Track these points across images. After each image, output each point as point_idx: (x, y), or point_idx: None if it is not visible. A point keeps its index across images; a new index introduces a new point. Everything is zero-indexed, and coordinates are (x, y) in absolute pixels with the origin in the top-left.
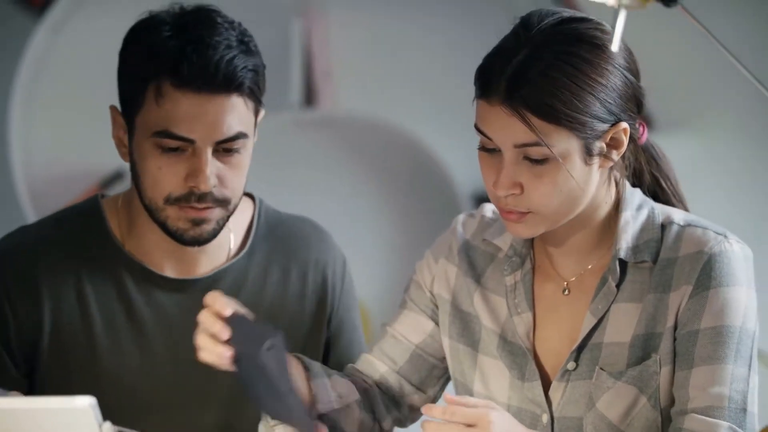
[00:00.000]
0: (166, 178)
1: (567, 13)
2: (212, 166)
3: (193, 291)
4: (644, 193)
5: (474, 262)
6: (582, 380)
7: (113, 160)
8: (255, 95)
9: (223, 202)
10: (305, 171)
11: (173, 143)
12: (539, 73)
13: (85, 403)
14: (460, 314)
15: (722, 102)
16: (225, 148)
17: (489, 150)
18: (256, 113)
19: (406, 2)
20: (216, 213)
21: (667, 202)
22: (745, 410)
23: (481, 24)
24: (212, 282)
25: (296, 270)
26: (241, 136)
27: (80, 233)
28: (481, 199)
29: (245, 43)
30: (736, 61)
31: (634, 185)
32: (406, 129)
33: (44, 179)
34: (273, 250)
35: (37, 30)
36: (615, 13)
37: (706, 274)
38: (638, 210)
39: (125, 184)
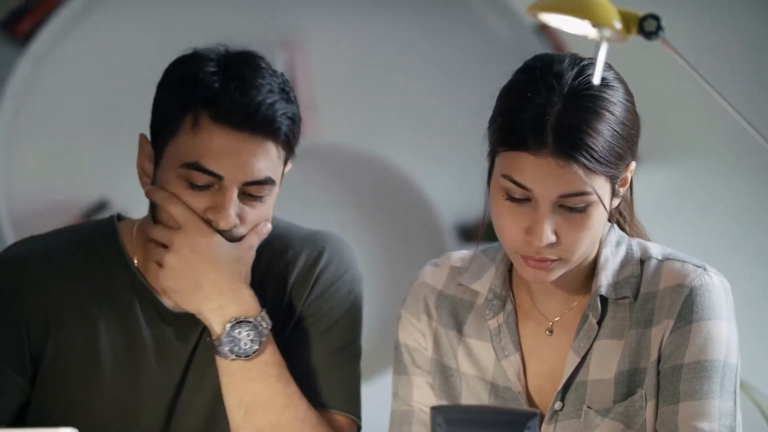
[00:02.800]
0: None
1: (579, 57)
2: (236, 205)
3: (196, 323)
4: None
5: (454, 313)
6: (570, 420)
7: (96, 189)
8: (289, 144)
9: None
10: (287, 202)
11: (201, 178)
12: (582, 121)
13: None
14: (440, 368)
15: (704, 134)
16: (251, 192)
17: (516, 199)
18: (285, 163)
19: (389, 33)
20: None
21: (637, 234)
22: None
23: (466, 54)
24: None
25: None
26: (269, 181)
27: (94, 251)
28: (465, 229)
29: (286, 92)
30: (716, 94)
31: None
32: (389, 159)
33: (26, 209)
34: (267, 270)
35: (20, 61)
36: (597, 45)
37: (688, 307)
38: (617, 246)
39: (108, 214)
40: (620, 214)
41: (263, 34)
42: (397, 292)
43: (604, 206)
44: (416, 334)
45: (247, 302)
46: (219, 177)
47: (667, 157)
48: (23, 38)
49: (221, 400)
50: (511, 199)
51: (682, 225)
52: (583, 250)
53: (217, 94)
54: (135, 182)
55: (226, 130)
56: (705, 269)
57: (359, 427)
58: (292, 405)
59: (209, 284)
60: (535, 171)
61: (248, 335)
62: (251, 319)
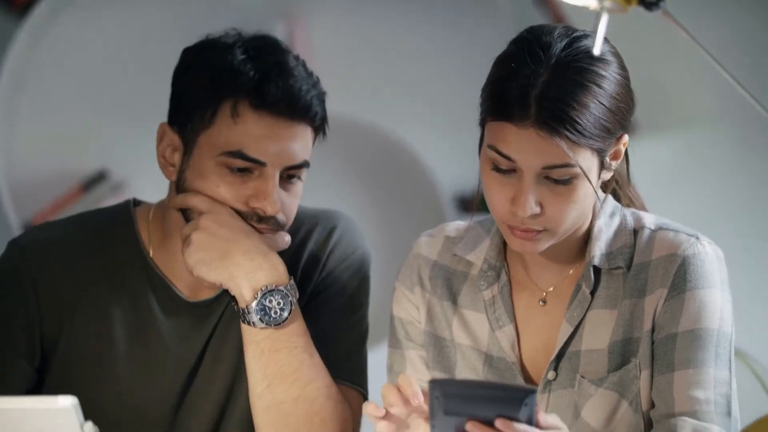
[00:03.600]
0: (225, 196)
1: (572, 29)
2: (278, 191)
3: (210, 312)
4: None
5: (448, 284)
6: (564, 389)
7: (96, 160)
8: (322, 127)
9: (280, 227)
10: None
11: (243, 164)
12: (567, 93)
13: (68, 403)
14: (434, 340)
15: (704, 105)
16: (289, 174)
17: (503, 170)
18: (313, 143)
19: (389, 5)
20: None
21: (632, 205)
22: (729, 414)
23: (466, 26)
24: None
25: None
26: (305, 164)
27: (109, 239)
28: (464, 199)
29: (311, 74)
30: (717, 65)
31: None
32: (388, 131)
33: (26, 179)
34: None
35: (18, 32)
36: (597, 16)
37: (681, 276)
38: (611, 217)
39: (108, 185)
40: (617, 184)
41: (262, 8)
42: (396, 263)
43: (589, 179)
44: (409, 307)
45: (277, 269)
46: (262, 164)
47: (667, 129)
48: (22, 8)
49: (235, 386)
50: (497, 169)
51: (681, 196)
52: (570, 222)
53: (258, 84)
54: (135, 153)
55: (267, 118)
56: (698, 238)
57: (366, 399)
58: (318, 378)
59: (240, 251)
60: (518, 142)
61: (279, 304)
62: (282, 288)
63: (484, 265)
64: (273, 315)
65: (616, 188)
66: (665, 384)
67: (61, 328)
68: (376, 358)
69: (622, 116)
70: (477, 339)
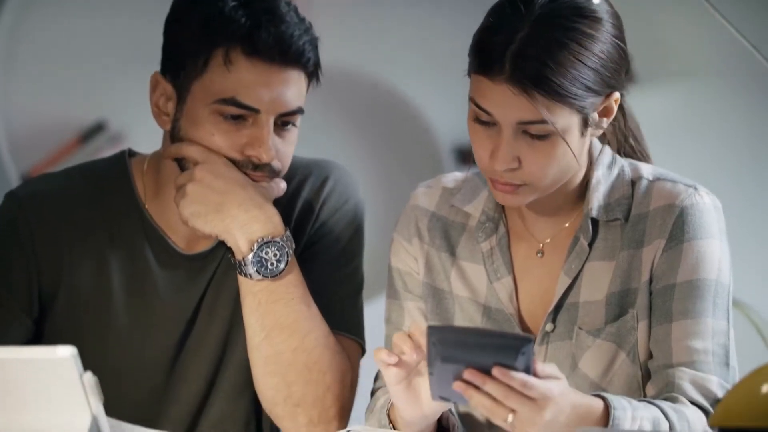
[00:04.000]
0: (220, 145)
1: None
2: (273, 137)
3: (206, 265)
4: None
5: (446, 235)
6: (562, 341)
7: (93, 111)
8: (316, 73)
9: (276, 174)
10: None
11: (237, 111)
12: (544, 51)
13: (67, 353)
14: (433, 291)
15: (704, 56)
16: (283, 121)
17: (484, 122)
18: (307, 90)
19: None
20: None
21: (634, 158)
22: (727, 364)
23: None
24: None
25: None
26: (299, 111)
27: (106, 190)
28: (462, 150)
29: (303, 20)
30: (719, 15)
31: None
32: (387, 81)
33: (24, 130)
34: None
35: None
36: None
37: (679, 227)
38: (609, 168)
39: (106, 136)
40: (623, 135)
41: None
42: (395, 215)
43: (563, 138)
44: (408, 258)
45: (273, 220)
46: (256, 111)
47: (666, 81)
48: None
49: (231, 337)
50: (479, 121)
51: (680, 147)
52: (551, 177)
53: (250, 30)
54: (132, 103)
55: (259, 64)
56: (696, 188)
57: (364, 350)
58: (316, 329)
59: (235, 203)
60: (492, 96)
61: (275, 255)
62: (278, 239)
63: (482, 216)
64: (270, 267)
65: (621, 141)
66: (663, 334)
67: (59, 279)
68: (376, 311)
69: (608, 76)
70: (475, 291)
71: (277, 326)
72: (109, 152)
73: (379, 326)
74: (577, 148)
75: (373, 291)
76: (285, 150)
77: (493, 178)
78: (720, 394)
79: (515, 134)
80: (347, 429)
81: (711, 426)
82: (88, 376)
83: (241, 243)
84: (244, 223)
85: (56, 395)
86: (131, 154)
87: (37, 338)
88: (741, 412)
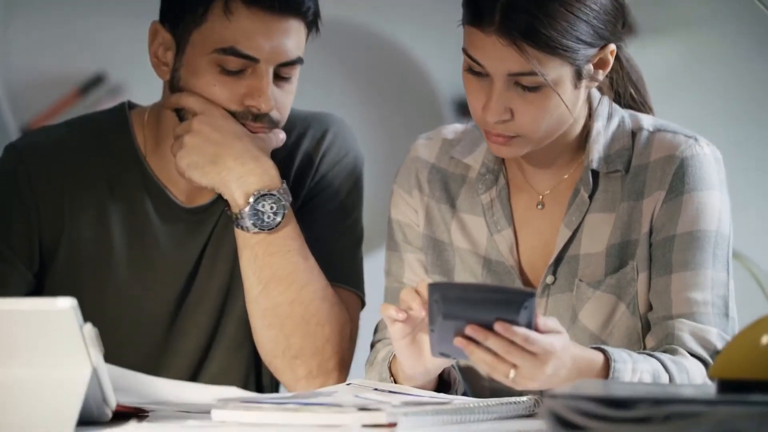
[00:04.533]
0: (220, 95)
1: None
2: (272, 88)
3: (206, 218)
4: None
5: (446, 187)
6: (562, 293)
7: (92, 63)
8: (315, 22)
9: (275, 125)
10: None
11: (236, 61)
12: (534, 2)
13: (67, 304)
14: (433, 243)
15: (704, 5)
16: (282, 73)
17: (476, 73)
18: (306, 40)
19: None
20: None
21: (635, 110)
22: (727, 315)
23: None
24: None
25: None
26: (299, 61)
27: (106, 143)
28: (463, 103)
29: None
30: None
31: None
32: (387, 33)
33: (23, 83)
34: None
35: None
36: None
37: (679, 178)
38: (609, 120)
39: (106, 88)
40: (623, 86)
41: None
42: (395, 167)
43: (554, 89)
44: (408, 210)
45: (269, 173)
46: (255, 60)
47: (666, 31)
48: None
49: (232, 291)
50: (472, 72)
51: (681, 98)
52: (544, 129)
53: None
54: (131, 55)
55: (259, 14)
56: (696, 139)
57: (363, 303)
58: (313, 281)
59: (231, 156)
60: (483, 47)
61: (271, 208)
62: (274, 192)
63: (482, 168)
64: (266, 219)
65: (621, 92)
66: (663, 286)
67: (60, 231)
68: (376, 263)
69: (602, 27)
70: (475, 243)
71: (274, 279)
72: (108, 104)
73: (379, 278)
74: (571, 99)
75: (373, 243)
76: (284, 100)
77: (486, 130)
78: (719, 345)
79: (506, 86)
80: (347, 383)
81: (710, 377)
82: (88, 327)
83: (237, 196)
84: (241, 175)
85: (56, 347)
86: (131, 106)
87: (37, 292)
88: (740, 363)
